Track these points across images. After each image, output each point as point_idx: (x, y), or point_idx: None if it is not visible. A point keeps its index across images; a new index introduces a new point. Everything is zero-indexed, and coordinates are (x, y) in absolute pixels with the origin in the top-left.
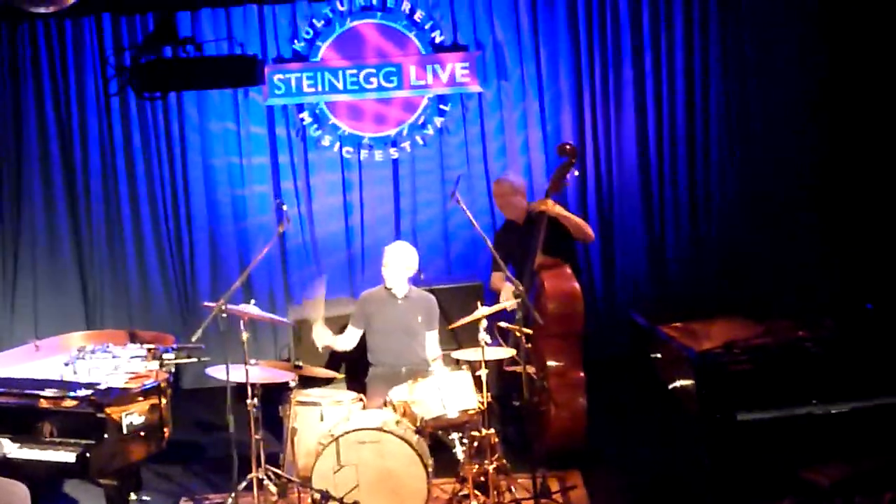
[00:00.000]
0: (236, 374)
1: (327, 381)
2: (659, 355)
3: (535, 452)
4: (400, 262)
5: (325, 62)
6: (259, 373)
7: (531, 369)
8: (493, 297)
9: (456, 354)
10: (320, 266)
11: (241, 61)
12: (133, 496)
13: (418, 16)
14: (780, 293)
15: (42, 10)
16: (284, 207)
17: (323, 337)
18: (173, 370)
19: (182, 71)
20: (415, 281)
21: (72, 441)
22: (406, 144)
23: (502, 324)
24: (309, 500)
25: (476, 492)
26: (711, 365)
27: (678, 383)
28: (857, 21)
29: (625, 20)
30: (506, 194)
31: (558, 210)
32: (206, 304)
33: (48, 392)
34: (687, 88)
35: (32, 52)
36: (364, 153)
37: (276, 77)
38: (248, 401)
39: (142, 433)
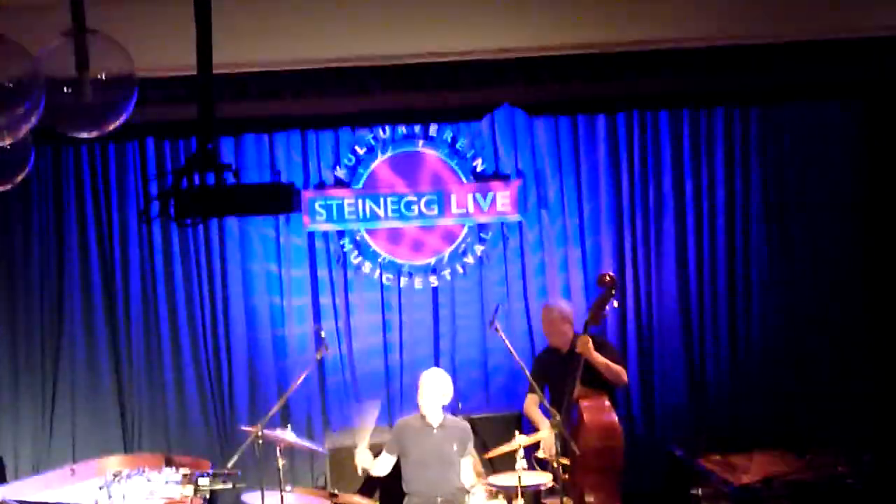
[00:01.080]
0: (272, 500)
1: None
2: (698, 490)
3: None
4: (434, 389)
5: (366, 189)
6: (295, 500)
7: (568, 502)
8: (530, 427)
9: (492, 479)
10: (358, 394)
11: (279, 188)
12: None
13: (460, 144)
14: (821, 427)
15: (84, 134)
16: (323, 334)
17: (364, 460)
18: (208, 496)
19: (219, 198)
20: (452, 410)
21: None
22: (446, 272)
23: (540, 454)
24: None
25: None
26: (751, 501)
27: None
28: None
29: (665, 146)
30: (554, 321)
31: (593, 354)
32: (243, 427)
33: None
34: (727, 222)
35: (76, 176)
36: (404, 280)
37: (318, 203)
38: None
39: None
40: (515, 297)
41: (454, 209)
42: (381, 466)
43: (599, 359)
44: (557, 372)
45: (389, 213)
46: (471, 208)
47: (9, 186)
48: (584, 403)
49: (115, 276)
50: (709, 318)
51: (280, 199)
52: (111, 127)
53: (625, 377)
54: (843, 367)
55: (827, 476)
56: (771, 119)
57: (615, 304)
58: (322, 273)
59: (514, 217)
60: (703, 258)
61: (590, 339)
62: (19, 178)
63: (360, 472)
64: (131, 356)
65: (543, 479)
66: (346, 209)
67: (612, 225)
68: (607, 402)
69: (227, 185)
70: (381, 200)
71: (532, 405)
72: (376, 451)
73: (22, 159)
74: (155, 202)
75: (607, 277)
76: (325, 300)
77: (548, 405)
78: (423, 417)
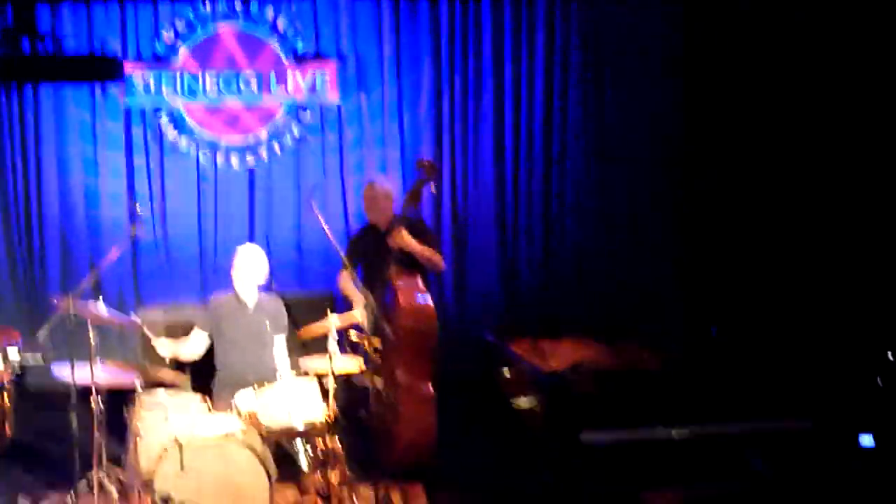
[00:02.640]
0: (82, 373)
1: (173, 385)
2: (507, 374)
3: (380, 465)
4: (251, 264)
5: (185, 65)
6: (104, 373)
7: (379, 382)
8: (344, 307)
9: (304, 362)
10: (172, 272)
11: (103, 61)
12: None
13: (280, 24)
14: (630, 315)
15: None
16: (139, 209)
17: (165, 347)
18: (17, 369)
19: (41, 67)
20: (265, 289)
21: None
22: (263, 152)
23: (352, 334)
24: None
25: (319, 501)
26: (558, 385)
27: (525, 402)
28: (715, 23)
29: (486, 35)
30: (377, 198)
31: (409, 242)
32: (54, 300)
33: None
34: (545, 107)
35: None
36: (220, 159)
37: (136, 78)
38: (92, 398)
39: None
40: (332, 177)
41: (274, 88)
42: (192, 346)
43: (417, 247)
44: (373, 251)
45: (208, 90)
46: (290, 88)
47: None
48: (398, 284)
49: None
50: (523, 205)
51: (102, 69)
52: None
53: (441, 262)
54: (652, 255)
55: (633, 364)
56: (591, 15)
57: (433, 190)
58: (138, 152)
59: (333, 97)
60: (520, 146)
61: (404, 229)
62: None
63: (167, 360)
64: None
65: (354, 363)
66: (165, 84)
67: (430, 102)
68: (421, 284)
69: (47, 52)
70: (201, 76)
71: (346, 281)
72: (187, 328)
73: None
74: None
75: (426, 163)
76: (140, 175)
77: (360, 285)
78: (237, 296)
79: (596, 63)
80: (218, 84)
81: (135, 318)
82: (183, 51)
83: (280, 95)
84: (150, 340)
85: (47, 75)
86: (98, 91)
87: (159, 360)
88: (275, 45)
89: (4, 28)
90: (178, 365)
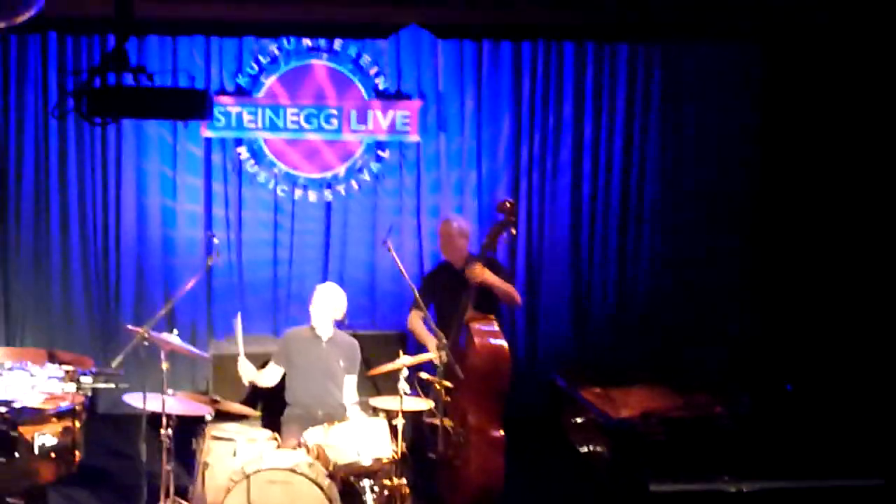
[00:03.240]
0: (153, 403)
1: (243, 418)
2: (576, 419)
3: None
4: (329, 302)
5: (267, 99)
6: (176, 403)
7: (448, 423)
8: (415, 347)
9: (374, 402)
10: (245, 303)
11: (192, 94)
12: None
13: (364, 61)
14: (702, 365)
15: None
16: (216, 240)
17: (247, 371)
18: (90, 394)
19: (133, 99)
20: (339, 325)
21: None
22: (341, 188)
23: (423, 374)
24: None
25: None
26: (627, 433)
27: (593, 449)
28: (793, 102)
29: (568, 75)
30: (452, 235)
31: (488, 277)
32: (128, 327)
33: None
34: (624, 151)
35: None
36: (298, 193)
37: (218, 110)
38: (163, 431)
39: (53, 454)
40: (408, 217)
41: (354, 125)
42: (268, 377)
43: (496, 280)
44: (447, 289)
45: (289, 125)
46: (370, 125)
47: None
48: (473, 326)
49: (8, 170)
50: (598, 251)
51: (194, 105)
52: (19, 20)
53: (518, 297)
54: (728, 307)
55: (703, 415)
56: (672, 59)
57: (513, 231)
58: (217, 183)
59: (413, 137)
60: (598, 191)
61: (484, 268)
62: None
63: (245, 383)
64: (19, 250)
65: (424, 405)
66: (246, 117)
67: (509, 151)
68: (496, 327)
69: (142, 86)
70: (282, 111)
71: (416, 321)
72: (263, 361)
73: None
74: (69, 98)
75: (507, 204)
76: (218, 210)
77: (433, 325)
78: (312, 329)
79: (675, 102)
80: (299, 118)
81: (208, 351)
82: (266, 84)
83: (360, 132)
84: (223, 372)
85: (136, 110)
86: (179, 126)
87: (230, 393)
88: (357, 82)
89: (103, 57)
90: (248, 399)
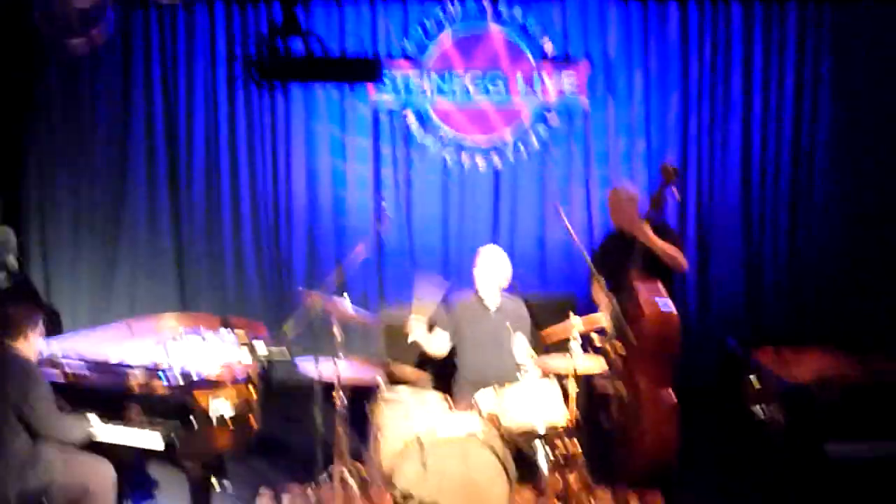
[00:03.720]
0: (326, 369)
1: (415, 383)
2: (751, 383)
3: (619, 470)
4: (494, 266)
5: (434, 63)
6: (348, 369)
7: (621, 387)
8: (585, 310)
9: (547, 360)
10: (415, 267)
11: (364, 62)
12: (215, 482)
13: (529, 25)
14: (878, 326)
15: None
16: (385, 205)
17: (416, 329)
18: (264, 362)
19: (308, 65)
20: (509, 291)
21: (159, 424)
22: (509, 153)
23: (595, 338)
24: (390, 499)
25: (557, 502)
26: (802, 396)
27: (768, 413)
28: None
29: (736, 35)
30: (621, 201)
31: (652, 238)
32: (301, 289)
33: (139, 374)
34: (794, 109)
35: (144, 40)
36: (466, 158)
37: (385, 76)
38: (336, 396)
39: (229, 422)
40: (577, 184)
41: (521, 89)
42: (435, 342)
43: (659, 242)
44: (618, 256)
45: (455, 90)
46: (538, 90)
47: (85, 42)
48: (640, 290)
49: (179, 139)
50: (769, 213)
51: (366, 70)
52: (98, 38)
53: (684, 262)
54: None
55: (882, 380)
56: (844, 19)
57: (676, 195)
58: (385, 146)
59: (582, 100)
60: (768, 153)
61: (647, 224)
62: (96, 34)
63: (409, 338)
64: (192, 218)
65: (597, 364)
66: (413, 83)
67: (678, 117)
68: (663, 290)
69: (314, 54)
70: (448, 76)
71: (598, 291)
72: (430, 325)
73: (99, 16)
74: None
75: (669, 168)
76: (386, 171)
77: (607, 291)
78: (479, 298)
79: (845, 65)
80: (466, 83)
81: (379, 316)
82: (432, 48)
83: (528, 97)
84: (395, 337)
85: (309, 76)
86: (347, 92)
87: (403, 358)
88: (524, 46)
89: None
90: (419, 363)
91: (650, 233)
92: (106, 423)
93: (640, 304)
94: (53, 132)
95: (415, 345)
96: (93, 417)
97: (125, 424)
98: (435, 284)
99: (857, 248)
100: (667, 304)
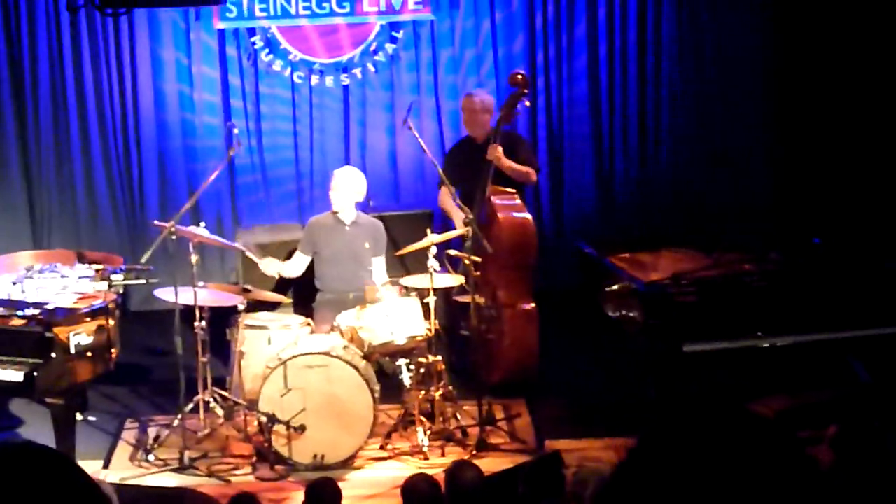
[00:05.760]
0: (184, 296)
1: (275, 306)
2: (606, 286)
3: (481, 381)
4: (348, 186)
5: None
6: (207, 296)
7: (480, 298)
8: (442, 225)
9: (405, 281)
10: (268, 193)
11: None
12: (79, 416)
13: None
14: (728, 227)
15: None
16: (236, 130)
17: (271, 266)
18: (121, 291)
19: None
20: (363, 207)
21: (18, 360)
22: (357, 71)
23: (451, 252)
24: (255, 423)
25: (422, 418)
26: (659, 296)
27: (625, 314)
28: None
29: None
30: (475, 110)
31: (503, 161)
32: (155, 222)
33: None
34: (639, 22)
35: None
36: (315, 79)
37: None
38: (196, 323)
39: (89, 353)
40: (426, 98)
41: (366, 6)
42: (293, 267)
43: (507, 163)
44: (471, 166)
45: (301, 10)
46: (383, 6)
47: None
48: (495, 201)
49: (23, 69)
50: (619, 117)
51: None
52: None
53: (534, 177)
54: (749, 175)
55: (734, 273)
56: None
57: (527, 103)
58: (233, 74)
59: (427, 15)
60: (615, 59)
61: (500, 148)
62: None
63: (274, 276)
64: (40, 150)
65: (455, 281)
66: (257, 6)
67: (525, 27)
68: (518, 200)
69: None
70: None
71: (445, 197)
72: (290, 250)
73: None
74: None
75: (519, 76)
76: (235, 98)
77: (459, 202)
78: (335, 215)
79: None
80: (310, 4)
81: (237, 243)
82: None
83: (373, 14)
84: (252, 262)
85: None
86: (192, 16)
87: (260, 282)
88: None
89: None
90: (278, 287)
91: (501, 155)
92: None
93: (496, 214)
94: None
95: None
96: None
97: None
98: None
99: (705, 152)
100: (523, 214)
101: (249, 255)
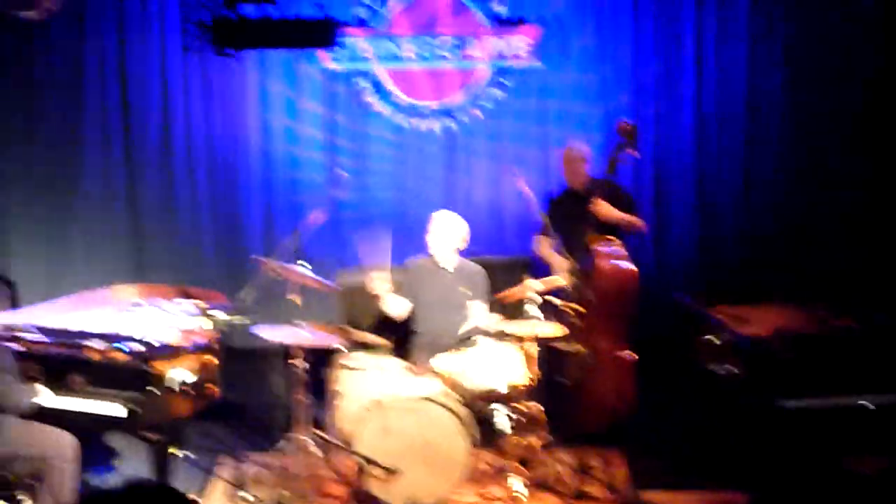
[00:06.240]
0: (285, 335)
1: (374, 348)
2: (704, 338)
3: (580, 430)
4: (446, 230)
5: (386, 29)
6: (306, 335)
7: (580, 347)
8: (541, 274)
9: (505, 326)
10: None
11: (321, 25)
12: (175, 451)
13: None
14: (832, 281)
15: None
16: (345, 175)
17: (379, 287)
18: (224, 329)
19: (264, 30)
20: (465, 255)
21: (119, 394)
22: (463, 117)
23: (553, 299)
24: (351, 465)
25: (519, 465)
26: (759, 351)
27: (723, 367)
28: None
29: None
30: (574, 161)
31: (609, 212)
32: (256, 257)
33: (98, 344)
34: (749, 69)
35: (97, 6)
36: (419, 124)
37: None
38: (295, 363)
39: (190, 390)
40: (533, 146)
41: (474, 53)
42: (394, 305)
43: (617, 216)
44: (571, 215)
45: (408, 55)
46: (491, 53)
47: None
48: (598, 249)
49: (131, 107)
50: (725, 170)
51: (322, 35)
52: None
53: (641, 225)
54: (856, 231)
55: (835, 330)
56: None
57: (634, 153)
58: (338, 112)
59: (535, 63)
60: (722, 108)
61: (602, 200)
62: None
63: (375, 293)
64: (146, 188)
65: (556, 329)
66: (365, 49)
67: (633, 84)
68: (622, 249)
69: (271, 17)
70: (401, 41)
71: (544, 245)
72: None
73: None
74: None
75: (626, 126)
76: (339, 141)
77: (562, 250)
78: (433, 259)
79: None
80: (418, 48)
81: (336, 281)
82: (384, 14)
83: (481, 60)
84: (351, 301)
85: (264, 42)
86: (302, 61)
87: (360, 324)
88: (475, 9)
89: None
90: (378, 330)
91: (606, 207)
92: (63, 394)
93: (598, 264)
94: (6, 99)
95: (373, 310)
96: (41, 388)
97: (84, 395)
98: (378, 242)
99: (813, 206)
100: (625, 263)
101: (377, 289)
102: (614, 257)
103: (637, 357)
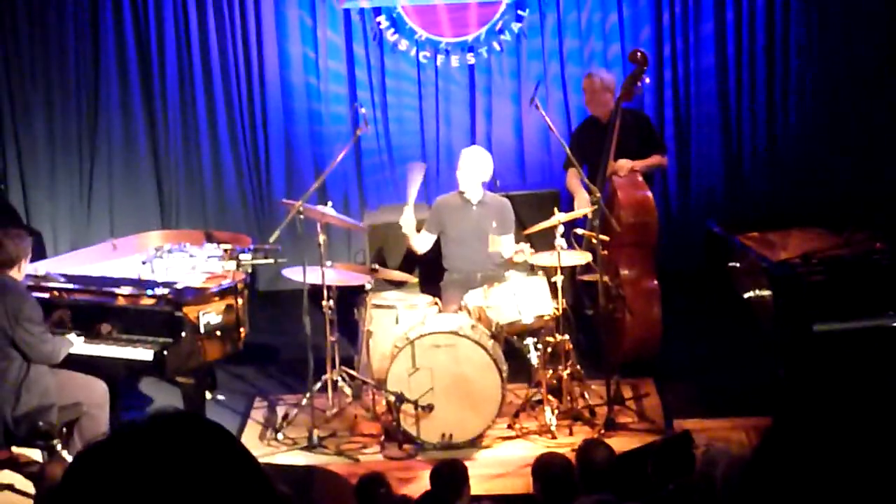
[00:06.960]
0: (312, 276)
1: (402, 285)
2: (735, 265)
3: (608, 359)
4: (475, 165)
5: None
6: (335, 275)
7: (605, 277)
8: (567, 205)
9: (531, 259)
10: (394, 172)
11: None
12: (208, 395)
13: None
14: (858, 205)
15: None
16: (363, 110)
17: (409, 222)
18: (250, 271)
19: None
20: (490, 187)
21: (148, 339)
22: (483, 50)
23: (578, 230)
24: (383, 403)
25: (549, 397)
26: (789, 275)
27: (754, 294)
28: None
29: None
30: (595, 90)
31: (634, 168)
32: (283, 201)
33: (126, 290)
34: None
35: None
36: (441, 58)
37: None
38: (324, 303)
39: (218, 333)
40: (553, 73)
41: None
42: (421, 242)
43: (642, 166)
44: (595, 145)
45: None
46: None
47: None
48: (616, 179)
49: (151, 55)
50: (746, 94)
51: None
52: None
53: (665, 163)
54: (884, 149)
55: (864, 251)
56: None
57: (647, 80)
58: (358, 50)
59: None
60: (742, 37)
61: (624, 162)
62: None
63: (404, 230)
64: (168, 133)
65: (582, 258)
66: None
67: (651, 22)
68: (640, 178)
69: None
70: None
71: (573, 179)
72: (417, 228)
73: None
74: None
75: (638, 54)
76: (361, 76)
77: (587, 181)
78: (461, 194)
79: None
80: None
81: (362, 220)
82: None
83: None
84: (378, 240)
85: None
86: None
87: (388, 262)
88: None
89: None
90: (405, 267)
91: (630, 164)
92: (93, 341)
93: (617, 193)
94: (23, 52)
95: (401, 248)
96: (73, 337)
97: (114, 342)
98: (415, 168)
99: (836, 128)
100: (643, 192)
101: (410, 191)
102: (632, 186)
103: (660, 284)
